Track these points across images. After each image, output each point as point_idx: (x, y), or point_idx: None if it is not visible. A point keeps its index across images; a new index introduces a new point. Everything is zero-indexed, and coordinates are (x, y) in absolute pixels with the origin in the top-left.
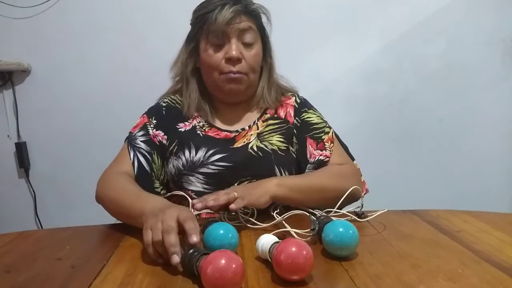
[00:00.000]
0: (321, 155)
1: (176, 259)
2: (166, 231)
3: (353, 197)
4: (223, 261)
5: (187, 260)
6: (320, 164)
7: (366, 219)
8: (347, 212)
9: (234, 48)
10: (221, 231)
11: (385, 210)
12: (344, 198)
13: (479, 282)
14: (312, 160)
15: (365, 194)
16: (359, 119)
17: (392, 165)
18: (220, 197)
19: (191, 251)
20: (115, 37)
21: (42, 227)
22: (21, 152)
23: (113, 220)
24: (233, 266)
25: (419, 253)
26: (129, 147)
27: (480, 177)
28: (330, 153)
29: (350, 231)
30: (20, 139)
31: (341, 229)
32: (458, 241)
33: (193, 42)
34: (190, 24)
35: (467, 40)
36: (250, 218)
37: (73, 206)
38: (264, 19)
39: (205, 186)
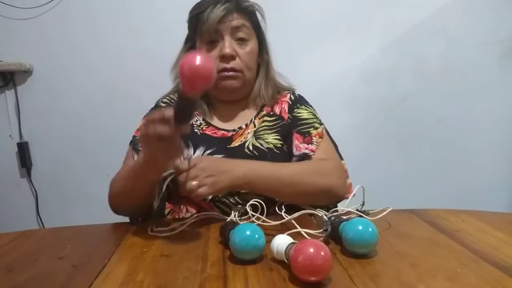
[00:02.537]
0: (306, 148)
1: (168, 112)
2: (146, 135)
3: (331, 195)
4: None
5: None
6: (303, 158)
7: (376, 217)
8: (352, 210)
9: (227, 45)
10: (248, 232)
11: (390, 209)
12: (320, 195)
13: (478, 282)
14: (297, 153)
15: (350, 197)
16: (359, 119)
17: (392, 165)
18: (181, 166)
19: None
20: (116, 38)
21: (43, 227)
22: (23, 152)
23: (114, 220)
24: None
25: (418, 253)
26: (133, 151)
27: (479, 177)
28: (316, 148)
29: (370, 229)
30: (22, 139)
31: (360, 227)
32: (457, 241)
33: (189, 42)
34: (187, 24)
35: (466, 40)
36: (260, 216)
37: (74, 206)
38: (258, 16)
39: None
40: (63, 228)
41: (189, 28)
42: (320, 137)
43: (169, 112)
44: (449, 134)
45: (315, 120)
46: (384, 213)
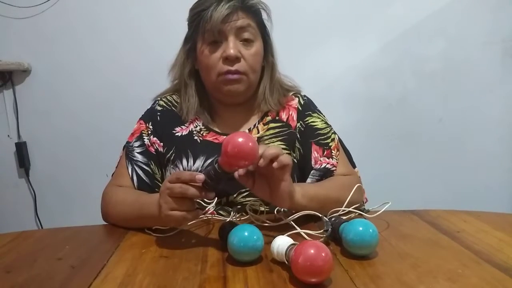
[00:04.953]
0: (328, 163)
1: (199, 176)
2: (171, 193)
3: (357, 207)
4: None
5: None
6: (326, 173)
7: (376, 213)
8: (353, 209)
9: (231, 46)
10: (246, 233)
11: (389, 204)
12: (347, 209)
13: (479, 282)
14: (317, 166)
15: (365, 203)
16: (358, 119)
17: (392, 165)
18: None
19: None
20: (115, 37)
21: (42, 227)
22: (21, 152)
23: None
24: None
25: (419, 253)
26: (127, 161)
27: (480, 177)
28: (337, 162)
29: (370, 230)
30: (20, 139)
31: (360, 228)
32: (458, 241)
33: (189, 42)
34: (187, 23)
35: (466, 40)
36: (261, 218)
37: (73, 206)
38: (264, 16)
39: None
40: (62, 228)
41: (190, 27)
42: (338, 150)
43: (201, 177)
44: (449, 134)
45: (329, 129)
46: (384, 208)
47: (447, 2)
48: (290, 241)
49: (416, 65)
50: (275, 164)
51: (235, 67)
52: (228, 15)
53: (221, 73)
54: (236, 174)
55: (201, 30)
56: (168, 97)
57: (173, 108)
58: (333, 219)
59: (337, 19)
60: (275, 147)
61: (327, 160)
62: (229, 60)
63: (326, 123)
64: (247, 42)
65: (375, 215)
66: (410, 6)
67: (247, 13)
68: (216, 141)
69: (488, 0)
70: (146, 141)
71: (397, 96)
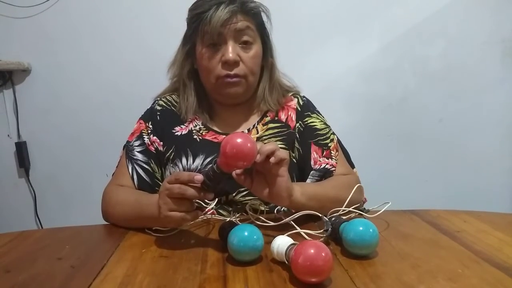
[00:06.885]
0: (327, 163)
1: (198, 177)
2: (170, 193)
3: (356, 207)
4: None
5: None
6: (326, 173)
7: (377, 213)
8: (353, 209)
9: (230, 50)
10: (246, 233)
11: (389, 204)
12: (347, 208)
13: (479, 282)
14: (317, 167)
15: (364, 203)
16: (359, 119)
17: (392, 165)
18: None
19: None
20: (115, 37)
21: (42, 227)
22: (21, 152)
23: None
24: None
25: (419, 253)
26: (127, 160)
27: (480, 177)
28: (336, 163)
29: (371, 230)
30: (20, 139)
31: (361, 228)
32: (458, 241)
33: (189, 43)
34: (186, 22)
35: (467, 40)
36: (260, 217)
37: (73, 206)
38: (263, 18)
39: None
40: (62, 228)
41: (189, 27)
42: (337, 150)
43: (199, 177)
44: (449, 134)
45: (328, 130)
46: (384, 208)
47: (447, 3)
48: (290, 241)
49: (417, 65)
50: (272, 159)
51: (234, 71)
52: (227, 18)
53: (220, 77)
54: (233, 173)
55: (200, 32)
56: (168, 97)
57: (173, 107)
58: (333, 219)
59: (337, 19)
60: (271, 143)
61: (326, 160)
62: (228, 64)
63: (325, 123)
64: (246, 44)
65: (375, 215)
66: (410, 7)
67: (246, 15)
68: (215, 140)
69: (488, 0)
70: (146, 140)
71: (398, 96)
